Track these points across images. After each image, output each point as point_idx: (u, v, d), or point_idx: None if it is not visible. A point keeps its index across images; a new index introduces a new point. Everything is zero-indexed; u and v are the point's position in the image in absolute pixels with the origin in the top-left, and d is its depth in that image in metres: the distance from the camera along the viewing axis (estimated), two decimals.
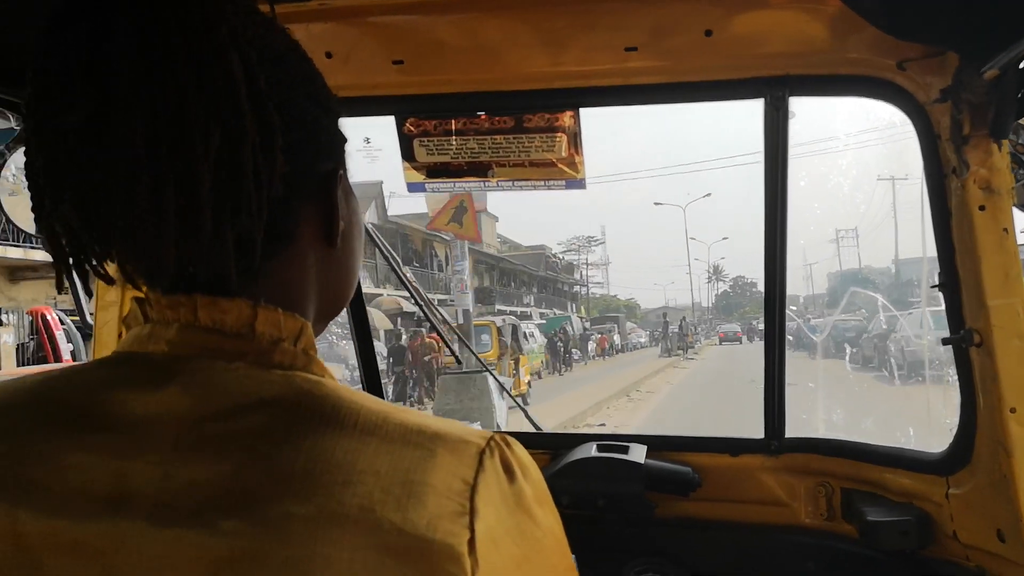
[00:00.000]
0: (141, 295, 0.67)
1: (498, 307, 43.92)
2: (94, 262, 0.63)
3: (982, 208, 1.31)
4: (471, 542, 0.56)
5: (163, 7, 0.59)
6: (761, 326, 1.96)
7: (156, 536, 0.55)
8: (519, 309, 48.78)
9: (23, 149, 0.62)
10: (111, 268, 0.64)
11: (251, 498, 0.55)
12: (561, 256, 73.47)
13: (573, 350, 35.84)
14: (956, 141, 1.33)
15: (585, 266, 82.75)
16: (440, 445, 0.60)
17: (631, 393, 21.20)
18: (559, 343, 32.43)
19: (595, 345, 43.80)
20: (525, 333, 28.21)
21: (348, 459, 0.57)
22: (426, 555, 0.55)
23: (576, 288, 76.65)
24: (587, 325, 51.73)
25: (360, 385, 2.22)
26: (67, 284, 0.66)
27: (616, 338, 51.78)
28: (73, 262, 0.63)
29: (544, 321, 40.75)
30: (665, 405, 18.59)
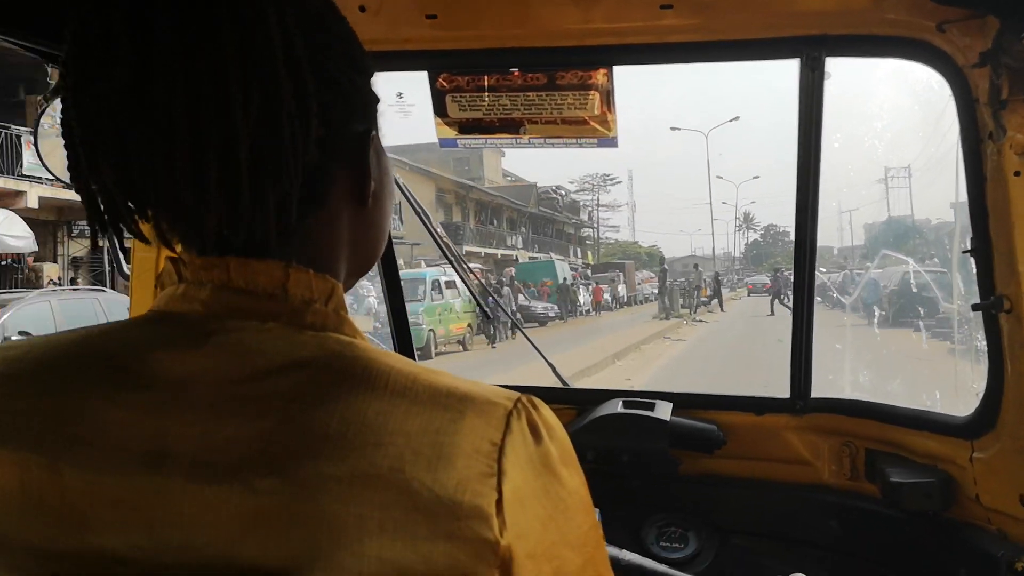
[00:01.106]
0: (175, 254, 0.68)
1: (467, 248, 35.97)
2: (129, 222, 0.64)
3: (1017, 174, 1.30)
4: (499, 503, 0.58)
5: None
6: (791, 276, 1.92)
7: (194, 492, 0.57)
8: (499, 251, 42.53)
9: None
10: (146, 227, 0.65)
11: (285, 458, 0.57)
12: (563, 192, 63.02)
13: (545, 306, 29.67)
14: (994, 106, 1.31)
15: (596, 207, 72.93)
16: (468, 407, 0.61)
17: None
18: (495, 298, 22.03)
19: (590, 297, 36.04)
20: (439, 283, 20.58)
21: (379, 421, 0.59)
22: (455, 515, 0.56)
23: (585, 231, 68.02)
24: (588, 273, 44.84)
25: (391, 341, 2.25)
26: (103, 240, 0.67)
27: (621, 289, 43.94)
28: (108, 221, 0.64)
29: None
30: None
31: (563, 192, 62.73)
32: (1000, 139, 1.31)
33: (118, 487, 0.58)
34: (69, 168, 0.63)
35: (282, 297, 0.65)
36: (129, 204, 0.63)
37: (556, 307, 30.74)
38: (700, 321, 30.09)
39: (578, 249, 62.57)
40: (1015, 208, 1.31)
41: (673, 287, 34.93)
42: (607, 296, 39.36)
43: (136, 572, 0.57)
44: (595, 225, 72.51)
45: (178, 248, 0.67)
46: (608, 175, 77.23)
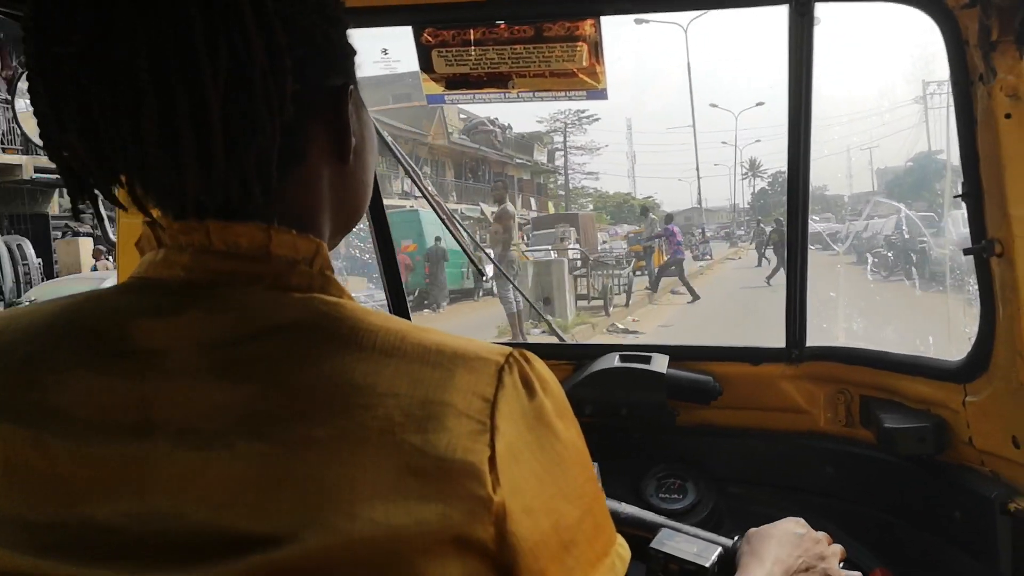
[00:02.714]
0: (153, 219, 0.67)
1: None
2: (104, 188, 0.63)
3: (1008, 116, 1.28)
4: (492, 459, 0.57)
5: None
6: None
7: (181, 459, 0.56)
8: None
9: None
10: (123, 193, 0.63)
11: (273, 421, 0.57)
12: (504, 125, 47.41)
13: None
14: (984, 47, 1.28)
15: (563, 151, 60.01)
16: (459, 364, 0.60)
17: None
18: None
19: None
20: None
21: (368, 382, 0.58)
22: (447, 474, 0.56)
23: (543, 178, 55.42)
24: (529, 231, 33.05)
25: (385, 301, 2.24)
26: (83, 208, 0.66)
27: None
28: (83, 187, 0.63)
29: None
30: None
31: (504, 125, 48.24)
32: (990, 81, 1.29)
33: (103, 456, 0.58)
34: (40, 136, 0.62)
35: (265, 259, 0.64)
36: (103, 172, 0.62)
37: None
38: (624, 330, 13.55)
39: (532, 199, 50.03)
40: (1005, 151, 1.29)
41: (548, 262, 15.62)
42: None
43: (125, 541, 0.56)
44: (562, 171, 59.65)
45: (155, 212, 0.66)
46: (583, 111, 61.13)
